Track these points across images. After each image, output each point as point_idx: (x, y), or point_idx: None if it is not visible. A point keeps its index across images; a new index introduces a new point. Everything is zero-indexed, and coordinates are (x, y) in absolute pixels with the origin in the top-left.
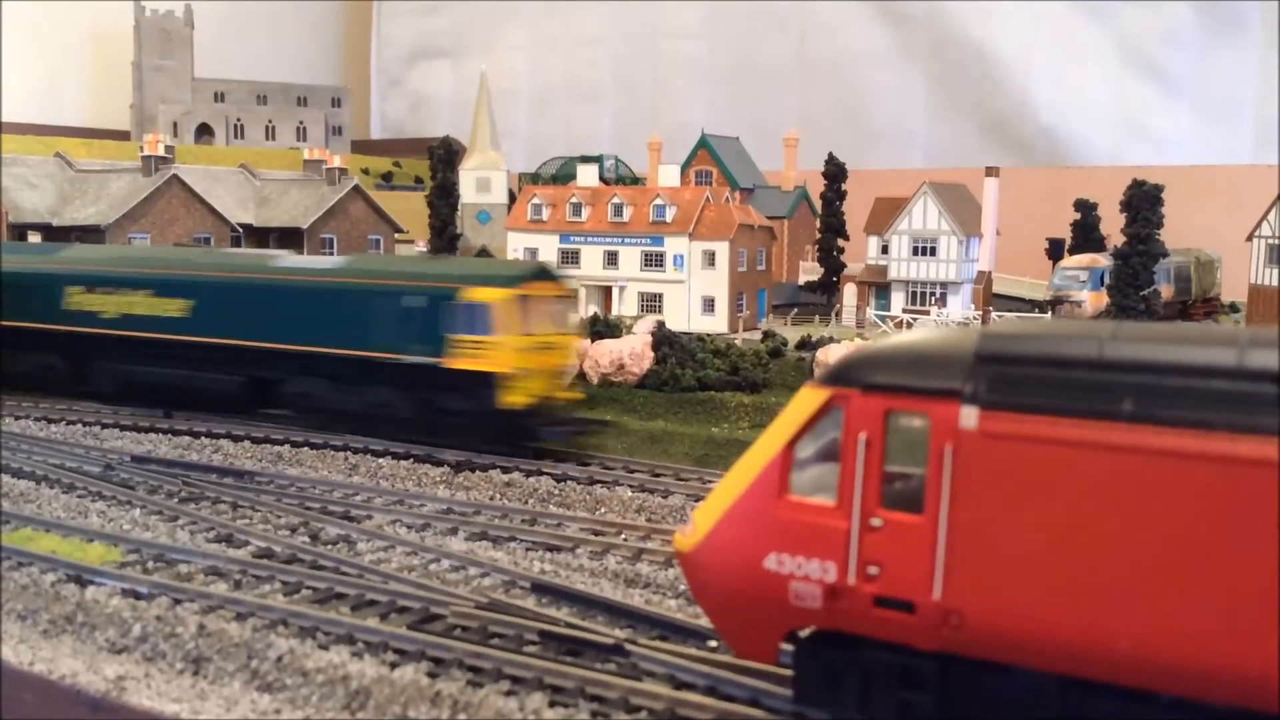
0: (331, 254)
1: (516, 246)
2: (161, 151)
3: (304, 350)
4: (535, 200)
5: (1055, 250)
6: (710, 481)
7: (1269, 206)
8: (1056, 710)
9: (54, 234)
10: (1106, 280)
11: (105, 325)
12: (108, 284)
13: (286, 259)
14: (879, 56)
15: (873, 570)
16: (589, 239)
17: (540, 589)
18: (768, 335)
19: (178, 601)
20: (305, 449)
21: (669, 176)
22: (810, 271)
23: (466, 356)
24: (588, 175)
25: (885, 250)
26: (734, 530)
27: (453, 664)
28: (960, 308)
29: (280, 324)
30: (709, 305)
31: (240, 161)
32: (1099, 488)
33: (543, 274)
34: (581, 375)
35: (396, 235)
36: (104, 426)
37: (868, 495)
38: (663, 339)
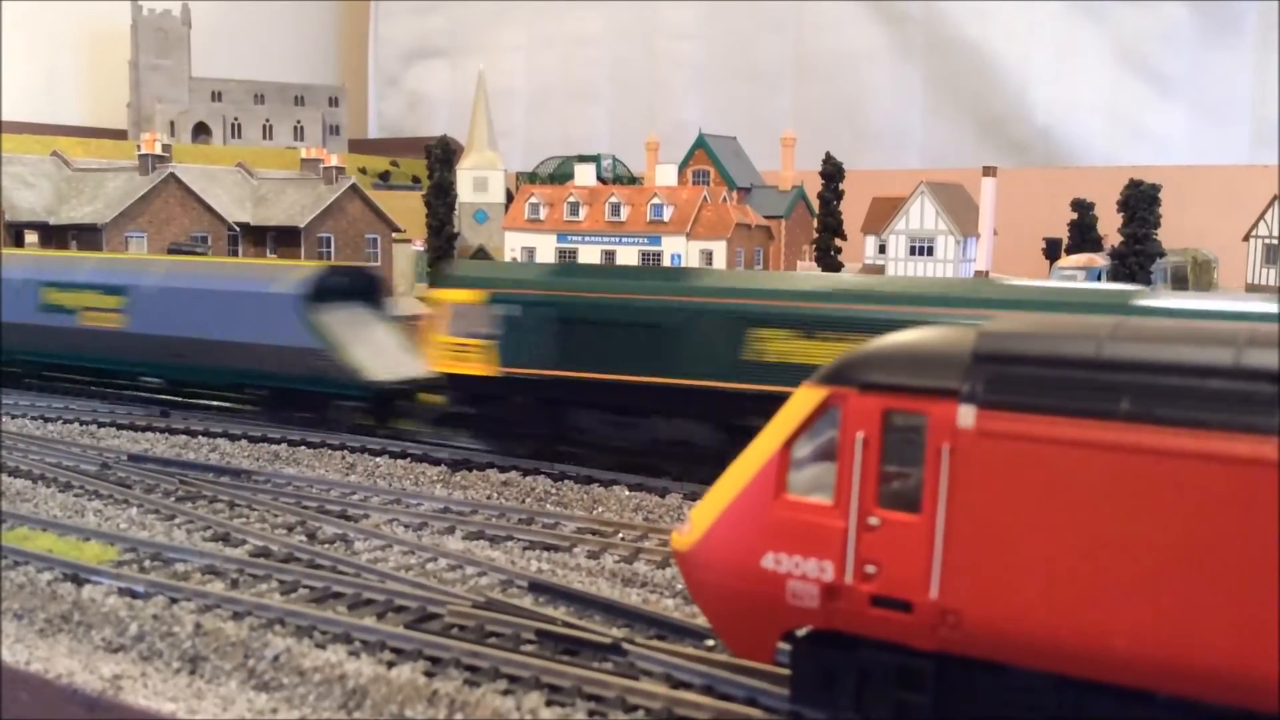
0: (329, 252)
1: (514, 246)
2: (158, 150)
3: None
4: (533, 200)
5: (1052, 250)
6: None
7: (1266, 206)
8: (1054, 710)
9: (51, 233)
10: (1103, 280)
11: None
12: (820, 324)
13: (1160, 296)
14: (876, 56)
15: (870, 569)
16: (586, 238)
17: (537, 588)
18: None
19: (174, 600)
20: (302, 448)
21: (666, 176)
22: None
23: None
24: (585, 175)
25: (882, 250)
26: (731, 529)
27: (450, 663)
28: None
29: None
30: None
31: (237, 160)
32: (1097, 487)
33: None
34: None
35: (394, 235)
36: (101, 425)
37: (865, 494)
38: None
